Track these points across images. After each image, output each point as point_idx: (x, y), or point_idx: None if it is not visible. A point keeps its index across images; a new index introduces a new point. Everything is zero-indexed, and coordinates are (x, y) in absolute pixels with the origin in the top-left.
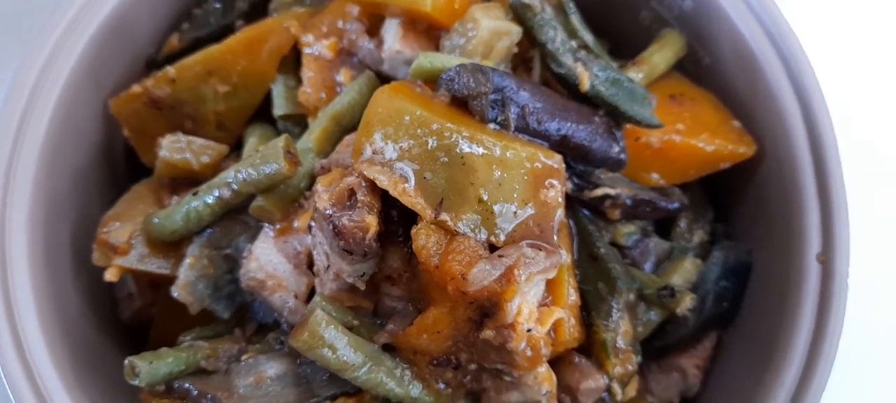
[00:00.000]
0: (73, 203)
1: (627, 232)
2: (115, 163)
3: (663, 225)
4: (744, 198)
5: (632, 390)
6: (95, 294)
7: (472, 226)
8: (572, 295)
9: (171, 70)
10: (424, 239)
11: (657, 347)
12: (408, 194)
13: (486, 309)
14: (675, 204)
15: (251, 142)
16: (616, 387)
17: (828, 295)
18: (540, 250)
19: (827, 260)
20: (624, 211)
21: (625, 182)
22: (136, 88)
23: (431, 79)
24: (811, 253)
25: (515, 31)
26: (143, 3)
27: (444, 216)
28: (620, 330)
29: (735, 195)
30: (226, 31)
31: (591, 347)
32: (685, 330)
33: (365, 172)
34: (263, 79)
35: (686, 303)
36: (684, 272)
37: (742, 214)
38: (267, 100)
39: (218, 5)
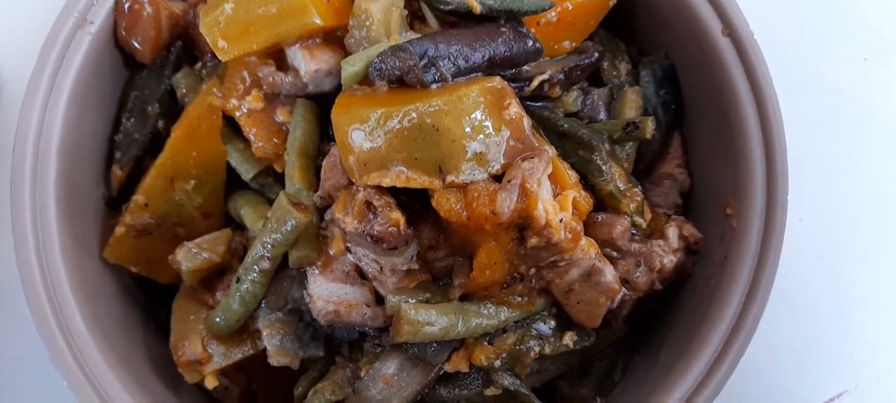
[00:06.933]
0: None
1: (572, 98)
2: None
3: (593, 75)
4: (639, 15)
5: (647, 214)
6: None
7: (473, 172)
8: (571, 175)
9: (139, 197)
10: (447, 204)
11: (641, 169)
12: (412, 179)
13: (522, 225)
14: (595, 55)
15: (246, 211)
16: (637, 219)
17: (746, 56)
18: (532, 157)
19: (730, 30)
20: (561, 85)
21: (548, 62)
22: (119, 230)
23: (363, 79)
24: (716, 31)
25: None
26: (76, 157)
27: (450, 178)
28: (615, 175)
29: (631, 17)
30: (154, 138)
31: (602, 202)
32: (655, 144)
33: (369, 182)
34: (217, 157)
35: (650, 127)
36: (631, 102)
37: (644, 29)
38: (230, 170)
39: (133, 120)
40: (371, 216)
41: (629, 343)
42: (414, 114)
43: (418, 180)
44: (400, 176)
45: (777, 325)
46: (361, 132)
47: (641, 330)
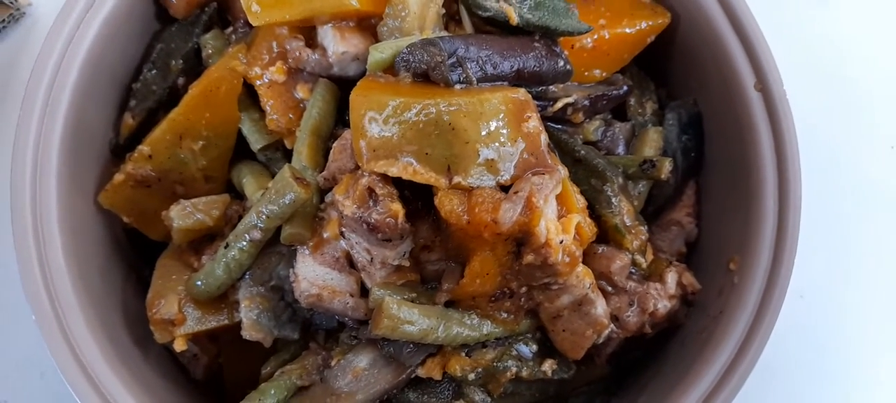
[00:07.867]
0: None
1: (593, 127)
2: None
3: (618, 109)
4: (673, 59)
5: (649, 255)
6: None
7: (482, 177)
8: (579, 200)
9: (144, 148)
10: (449, 204)
11: (651, 212)
12: (419, 173)
13: (520, 239)
14: (624, 88)
15: (248, 181)
16: (638, 258)
17: (774, 112)
18: (543, 174)
19: (763, 85)
20: (585, 112)
21: (575, 86)
22: (118, 177)
23: (388, 67)
24: (749, 85)
25: None
26: (91, 96)
27: (457, 178)
28: (623, 210)
29: (665, 59)
30: (172, 93)
31: (606, 234)
32: (669, 189)
33: (375, 169)
34: (230, 122)
35: (666, 168)
36: (652, 142)
37: (676, 73)
38: (239, 139)
39: (154, 72)
40: (371, 203)
41: (608, 385)
42: (432, 109)
43: (425, 175)
44: (407, 167)
45: (758, 398)
46: (377, 118)
47: (624, 373)
